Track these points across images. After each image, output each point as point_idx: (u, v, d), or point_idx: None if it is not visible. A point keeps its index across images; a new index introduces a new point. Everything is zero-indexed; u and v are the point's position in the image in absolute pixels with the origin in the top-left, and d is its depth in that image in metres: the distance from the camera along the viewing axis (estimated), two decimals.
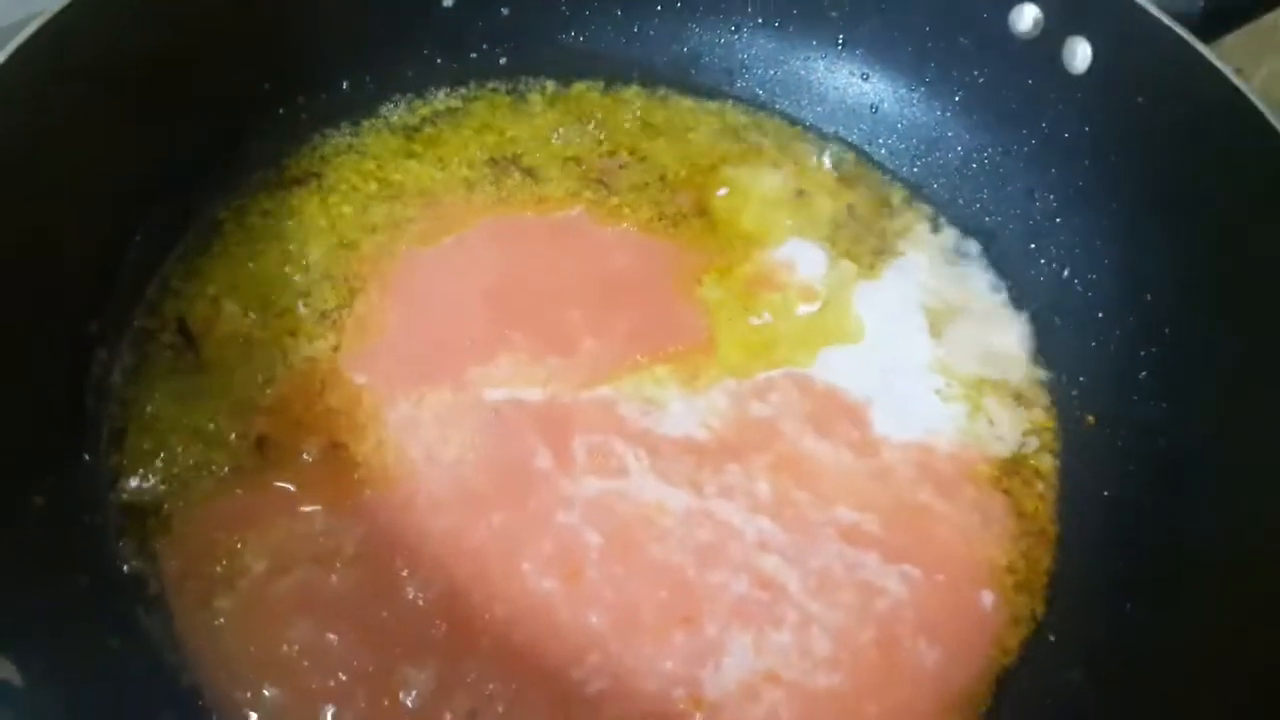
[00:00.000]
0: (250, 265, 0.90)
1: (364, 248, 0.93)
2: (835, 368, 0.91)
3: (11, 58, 0.72)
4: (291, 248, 0.91)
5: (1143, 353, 0.87)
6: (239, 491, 0.78)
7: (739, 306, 0.94)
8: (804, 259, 0.98)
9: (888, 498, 0.84)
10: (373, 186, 0.97)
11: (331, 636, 0.72)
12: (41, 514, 0.69)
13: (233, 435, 0.80)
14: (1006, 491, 0.86)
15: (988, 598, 0.81)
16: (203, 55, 0.87)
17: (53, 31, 0.74)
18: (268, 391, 0.83)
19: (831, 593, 0.79)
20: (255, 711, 0.69)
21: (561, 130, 1.04)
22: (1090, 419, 0.89)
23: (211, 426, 0.80)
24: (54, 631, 0.63)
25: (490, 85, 1.05)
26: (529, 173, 1.00)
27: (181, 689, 0.69)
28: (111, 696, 0.64)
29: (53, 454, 0.74)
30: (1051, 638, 0.79)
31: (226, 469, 0.79)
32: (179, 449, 0.79)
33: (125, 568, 0.73)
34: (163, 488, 0.77)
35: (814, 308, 0.95)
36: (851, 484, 0.85)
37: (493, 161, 1.01)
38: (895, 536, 0.82)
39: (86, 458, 0.77)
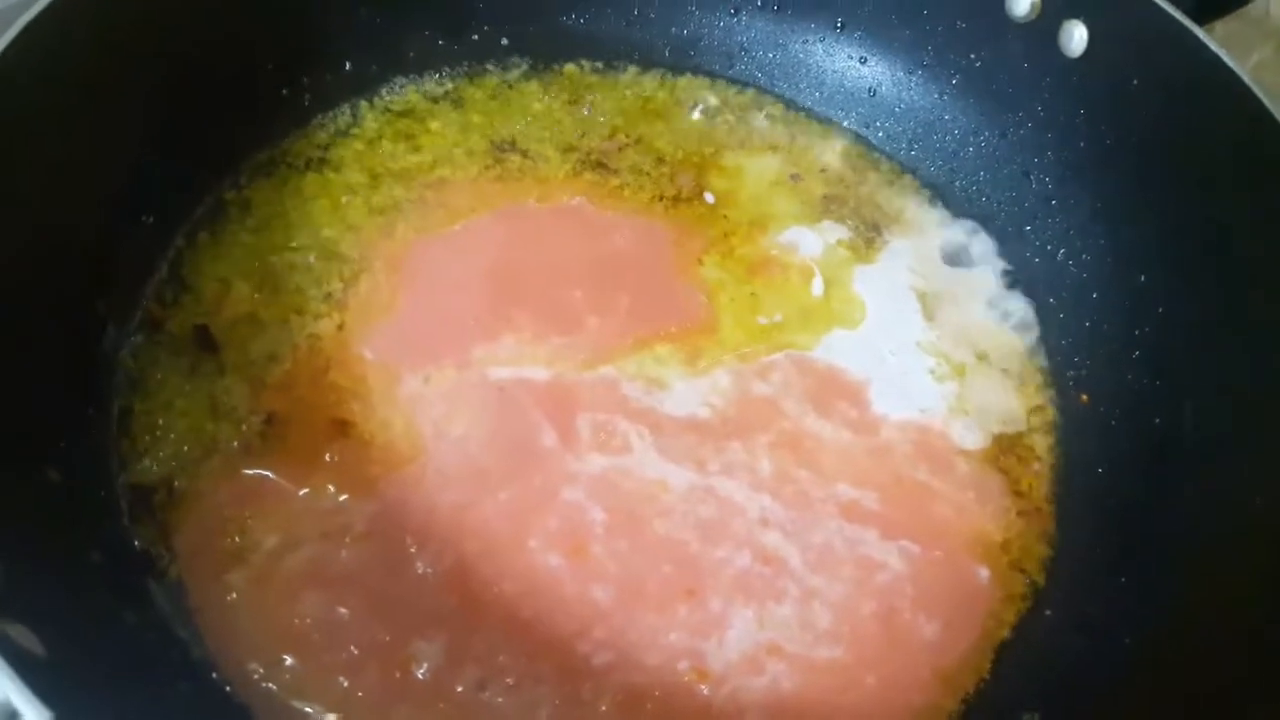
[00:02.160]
0: (256, 246, 0.90)
1: (367, 230, 0.93)
2: (835, 349, 0.92)
3: (18, 36, 0.72)
4: (295, 229, 0.92)
5: (1136, 332, 0.88)
6: (248, 469, 0.79)
7: (740, 288, 0.95)
8: (802, 242, 0.99)
9: (886, 475, 0.86)
10: (375, 169, 0.97)
11: (343, 610, 0.73)
12: (56, 488, 0.70)
13: (241, 413, 0.81)
14: (1002, 469, 0.87)
15: (983, 573, 0.83)
16: (210, 33, 0.87)
17: (58, 9, 0.74)
18: (275, 369, 0.83)
19: (832, 567, 0.80)
20: (269, 683, 0.70)
21: (562, 112, 1.04)
22: (1084, 398, 0.90)
23: (220, 405, 0.81)
24: (71, 605, 0.64)
25: (491, 67, 1.05)
26: (529, 155, 1.01)
27: (195, 661, 0.70)
28: (129, 669, 0.65)
29: (64, 430, 0.74)
30: (1048, 612, 0.81)
31: (235, 446, 0.79)
32: (188, 427, 0.80)
33: (137, 543, 0.74)
34: (173, 464, 0.78)
35: (814, 290, 0.96)
36: (851, 462, 0.86)
37: (493, 144, 1.01)
38: (893, 513, 0.84)
39: (97, 434, 0.77)
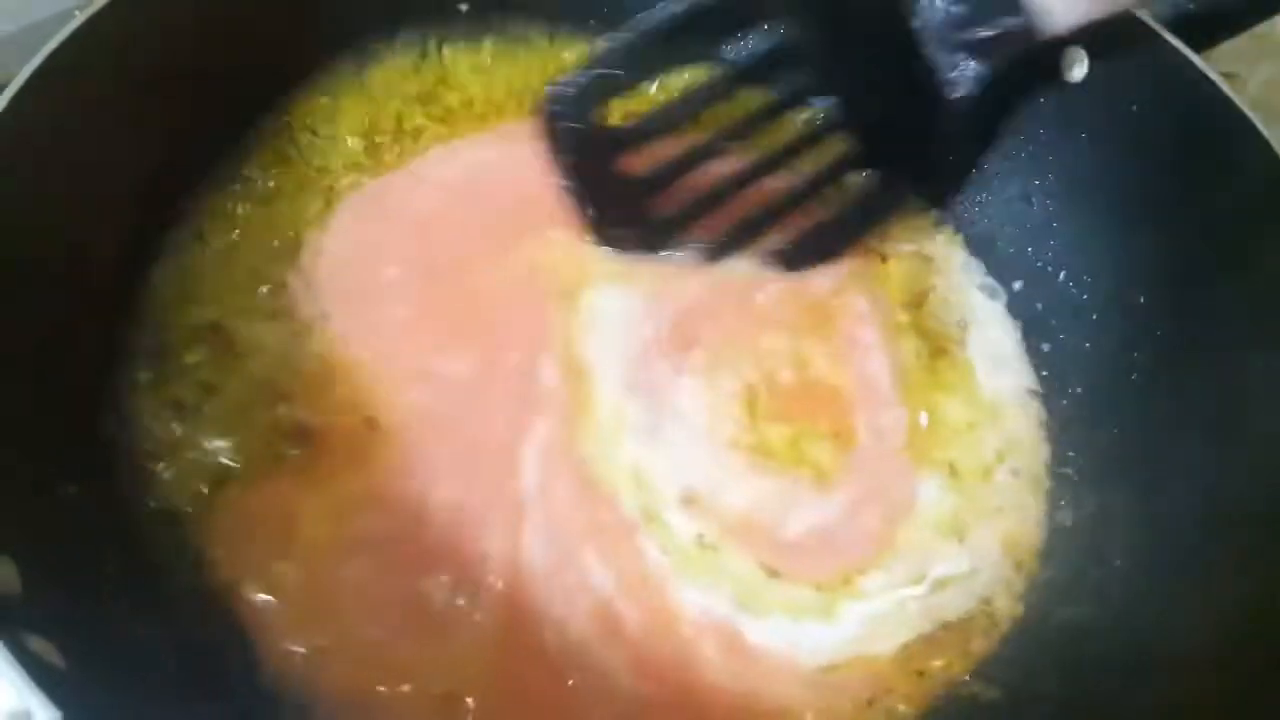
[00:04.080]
0: (263, 265, 0.91)
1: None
2: None
3: (43, 65, 0.74)
4: (297, 245, 0.93)
5: (1136, 354, 0.90)
6: (274, 477, 0.80)
7: None
8: None
9: None
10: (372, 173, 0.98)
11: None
12: (73, 502, 0.72)
13: (266, 428, 0.82)
14: None
15: None
16: (221, 54, 0.89)
17: (85, 34, 0.77)
18: (294, 381, 0.84)
19: None
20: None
21: None
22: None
23: (243, 420, 0.82)
24: (89, 617, 0.66)
25: None
26: None
27: (213, 675, 0.73)
28: (148, 681, 0.67)
29: (82, 446, 0.77)
30: None
31: (260, 455, 0.81)
32: (206, 436, 0.81)
33: (157, 556, 0.76)
34: (193, 475, 0.79)
35: None
36: None
37: None
38: None
39: (114, 449, 0.79)
